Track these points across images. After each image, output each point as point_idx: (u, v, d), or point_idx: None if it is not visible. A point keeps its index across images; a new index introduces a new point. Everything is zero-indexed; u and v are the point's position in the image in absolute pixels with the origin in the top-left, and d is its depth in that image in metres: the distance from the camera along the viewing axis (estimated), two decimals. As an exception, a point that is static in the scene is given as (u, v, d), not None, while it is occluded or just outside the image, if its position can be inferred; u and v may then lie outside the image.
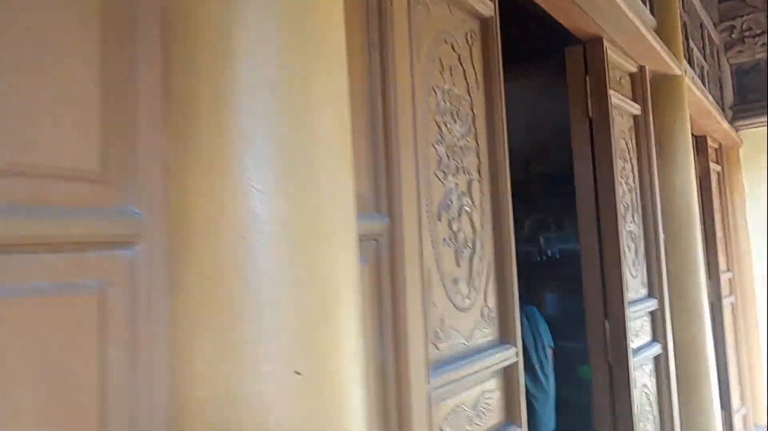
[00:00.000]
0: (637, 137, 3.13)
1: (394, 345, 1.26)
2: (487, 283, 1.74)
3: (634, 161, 3.09)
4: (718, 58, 5.60)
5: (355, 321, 0.92)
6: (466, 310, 1.62)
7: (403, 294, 1.28)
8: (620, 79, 3.03)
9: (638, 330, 2.92)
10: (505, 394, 1.77)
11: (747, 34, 5.58)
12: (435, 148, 1.55)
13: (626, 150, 3.01)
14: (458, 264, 1.61)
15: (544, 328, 3.56)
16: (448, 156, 1.61)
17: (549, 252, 6.27)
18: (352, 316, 0.91)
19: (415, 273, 1.34)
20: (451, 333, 1.54)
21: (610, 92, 2.80)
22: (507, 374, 1.78)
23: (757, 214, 5.67)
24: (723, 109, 5.45)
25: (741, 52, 5.65)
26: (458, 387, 1.53)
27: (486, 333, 1.71)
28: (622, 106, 2.97)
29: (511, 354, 1.78)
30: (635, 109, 3.12)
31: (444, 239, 1.56)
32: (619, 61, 2.99)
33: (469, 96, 1.75)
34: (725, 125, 4.98)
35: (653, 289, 3.08)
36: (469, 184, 1.70)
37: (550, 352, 3.49)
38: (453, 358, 1.53)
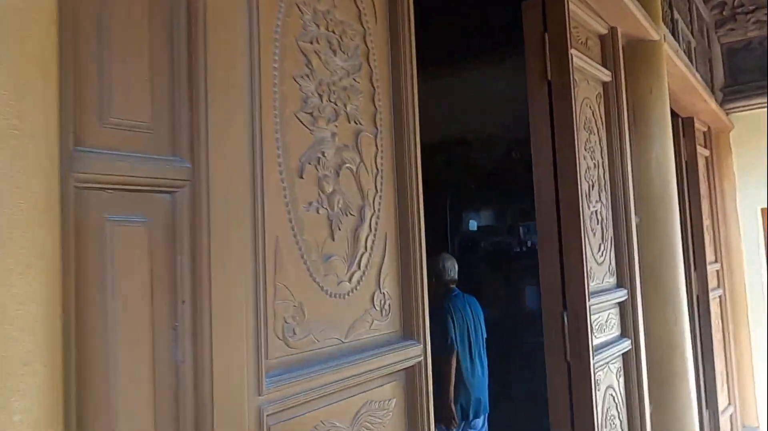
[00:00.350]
0: (606, 106, 2.73)
1: (193, 341, 0.88)
2: (382, 263, 1.34)
3: (602, 133, 2.68)
4: (708, 36, 5.18)
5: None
6: (344, 296, 1.23)
7: (206, 267, 0.89)
8: (587, 40, 2.62)
9: (603, 323, 2.53)
10: (406, 402, 1.38)
11: (739, 10, 5.15)
12: (298, 83, 1.16)
13: (593, 120, 2.61)
14: (333, 237, 1.21)
15: (482, 318, 3.53)
16: (320, 95, 1.21)
17: (529, 243, 5.88)
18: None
19: (239, 240, 0.95)
20: (317, 326, 1.15)
21: (572, 52, 2.40)
22: (409, 377, 1.39)
23: (748, 202, 5.26)
24: (713, 91, 5.03)
25: (732, 29, 5.22)
26: (324, 398, 1.14)
27: (379, 327, 1.32)
28: (587, 69, 2.57)
29: (416, 353, 1.39)
30: (604, 75, 2.71)
31: (310, 203, 1.16)
32: (585, 20, 2.59)
33: (362, 25, 1.35)
34: (713, 105, 4.57)
35: (623, 278, 2.69)
36: (357, 135, 1.30)
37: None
38: (318, 359, 1.14)
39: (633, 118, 2.92)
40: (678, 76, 3.62)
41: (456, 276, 3.54)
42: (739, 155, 5.29)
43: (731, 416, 4.71)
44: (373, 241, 1.32)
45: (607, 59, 2.76)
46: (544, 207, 2.42)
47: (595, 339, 2.43)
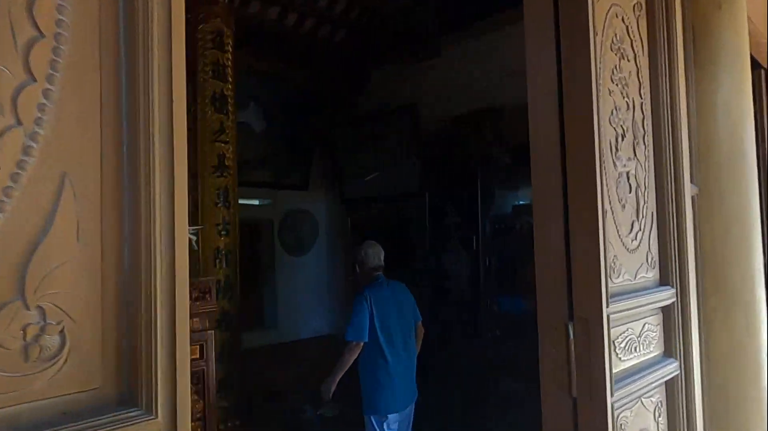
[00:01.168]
0: (650, 23, 1.81)
1: None
2: (37, 245, 0.58)
3: (643, 61, 1.78)
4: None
5: None
6: None
7: None
8: None
9: (635, 338, 1.65)
10: None
11: None
12: None
13: (627, 39, 1.71)
14: None
15: (410, 303, 3.39)
16: None
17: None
18: None
19: None
20: None
21: (591, -73, 1.52)
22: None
23: None
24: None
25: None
26: None
27: (21, 385, 0.56)
28: (619, -37, 1.68)
29: (146, 437, 0.62)
30: (648, -24, 1.81)
31: None
32: None
33: None
34: (809, 51, 3.46)
35: (668, 272, 1.79)
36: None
37: (414, 326, 3.38)
38: None
39: (692, 44, 1.98)
40: None
41: (381, 263, 3.40)
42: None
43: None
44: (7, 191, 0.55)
45: (653, -45, 1.85)
46: (541, 162, 1.56)
47: (620, 363, 1.57)
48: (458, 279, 5.12)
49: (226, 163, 4.00)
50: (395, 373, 3.19)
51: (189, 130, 3.86)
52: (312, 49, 5.75)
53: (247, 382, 4.29)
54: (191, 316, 3.35)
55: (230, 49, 4.07)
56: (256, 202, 5.87)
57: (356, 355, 3.15)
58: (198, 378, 3.32)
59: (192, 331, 3.26)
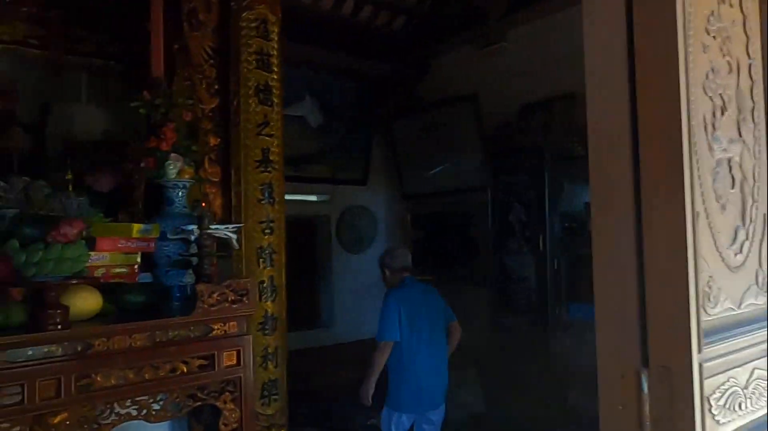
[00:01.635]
0: (762, -44, 1.31)
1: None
2: None
3: (751, 5, 1.27)
4: None
5: None
6: None
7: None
8: None
9: (740, 391, 1.16)
10: None
11: None
12: None
13: (729, -23, 1.22)
14: None
15: (439, 305, 3.39)
16: None
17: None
18: None
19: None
20: None
21: None
22: None
23: None
24: None
25: None
26: None
27: None
28: None
29: None
30: None
31: None
32: None
33: None
34: None
35: (788, 297, 1.29)
36: None
37: (443, 328, 3.35)
38: None
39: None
40: None
41: (408, 264, 3.43)
42: None
43: None
44: None
45: None
46: (602, 144, 1.11)
47: (718, 428, 1.09)
48: (523, 280, 4.63)
49: (271, 158, 3.73)
50: (418, 374, 3.20)
51: (230, 122, 3.50)
52: (369, 38, 5.41)
53: (297, 387, 4.04)
54: (228, 320, 3.06)
55: (275, 38, 3.79)
56: (313, 198, 5.62)
57: (387, 355, 3.17)
58: (234, 386, 3.06)
59: (228, 336, 3.02)
